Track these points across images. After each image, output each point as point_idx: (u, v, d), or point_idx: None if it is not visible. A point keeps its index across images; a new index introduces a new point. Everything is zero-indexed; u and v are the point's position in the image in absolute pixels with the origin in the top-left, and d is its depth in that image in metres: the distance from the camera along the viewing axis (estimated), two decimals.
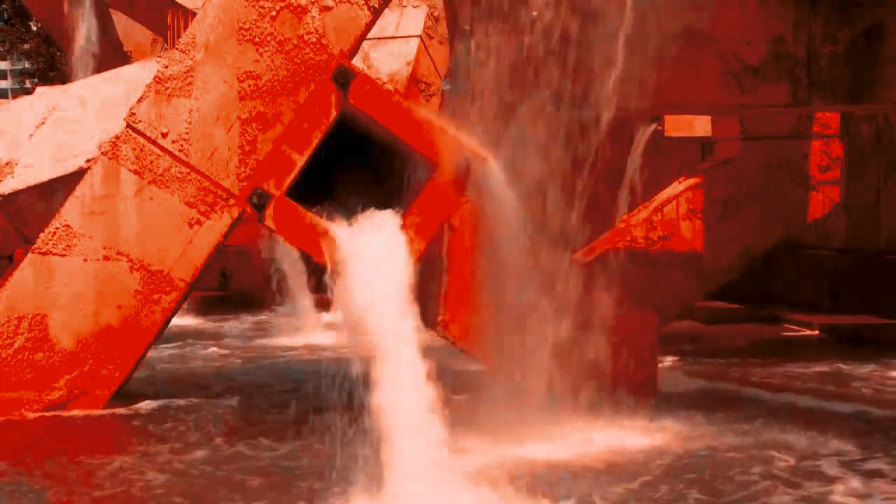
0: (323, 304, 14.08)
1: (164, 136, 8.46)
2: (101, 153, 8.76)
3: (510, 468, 6.72)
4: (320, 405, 6.23)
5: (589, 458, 7.05)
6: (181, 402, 8.72)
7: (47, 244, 8.49)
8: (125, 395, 8.67)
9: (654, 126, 14.52)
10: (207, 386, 9.67)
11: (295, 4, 8.39)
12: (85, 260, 8.49)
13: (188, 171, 8.46)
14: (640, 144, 14.31)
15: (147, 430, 7.93)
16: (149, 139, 8.47)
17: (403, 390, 6.12)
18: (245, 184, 8.12)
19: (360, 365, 6.17)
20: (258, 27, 8.40)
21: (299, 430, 7.48)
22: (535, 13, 7.80)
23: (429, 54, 16.94)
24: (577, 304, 7.95)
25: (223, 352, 12.14)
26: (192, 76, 8.45)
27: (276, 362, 11.45)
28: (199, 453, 7.22)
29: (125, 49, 19.07)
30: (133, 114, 8.51)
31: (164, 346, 11.38)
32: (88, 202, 8.53)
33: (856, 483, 6.41)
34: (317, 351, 12.17)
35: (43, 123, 13.10)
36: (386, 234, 6.75)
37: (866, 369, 10.65)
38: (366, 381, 6.13)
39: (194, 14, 9.89)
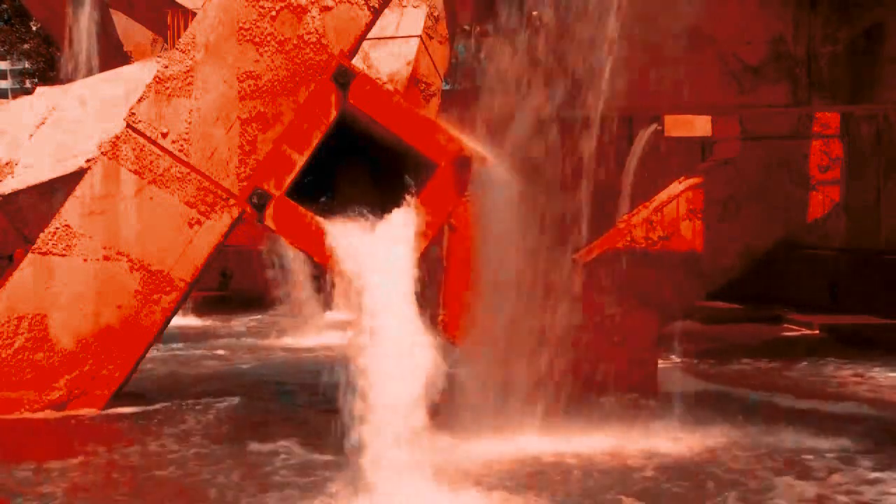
0: (324, 303, 14.11)
1: (164, 136, 8.46)
2: (101, 153, 8.75)
3: (505, 469, 6.72)
4: (317, 406, 6.23)
5: (585, 458, 7.03)
6: (178, 402, 8.70)
7: (47, 244, 8.49)
8: (124, 395, 8.66)
9: (654, 126, 14.54)
10: (205, 386, 9.65)
11: (295, 4, 8.39)
12: (85, 260, 8.49)
13: (188, 171, 8.46)
14: (639, 144, 14.33)
15: (125, 431, 7.88)
16: (149, 139, 8.47)
17: (400, 390, 6.12)
18: (245, 184, 8.12)
19: (357, 365, 6.17)
20: (258, 27, 8.40)
21: (293, 431, 7.48)
22: (534, 13, 7.80)
23: (429, 54, 16.92)
24: (577, 305, 7.95)
25: (223, 352, 12.13)
26: (192, 76, 8.45)
27: (277, 363, 11.45)
28: (164, 454, 7.17)
29: (125, 49, 19.06)
30: (133, 114, 8.51)
31: (164, 346, 11.38)
32: (88, 202, 8.53)
33: (854, 485, 6.40)
34: (317, 351, 12.17)
35: (43, 123, 13.09)
36: (386, 234, 6.75)
37: (866, 369, 10.65)
38: (362, 382, 6.13)
39: (194, 14, 9.89)
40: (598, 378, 8.32)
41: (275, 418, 8.34)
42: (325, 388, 6.22)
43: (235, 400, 8.87)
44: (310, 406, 8.64)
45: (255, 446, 7.27)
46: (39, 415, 8.31)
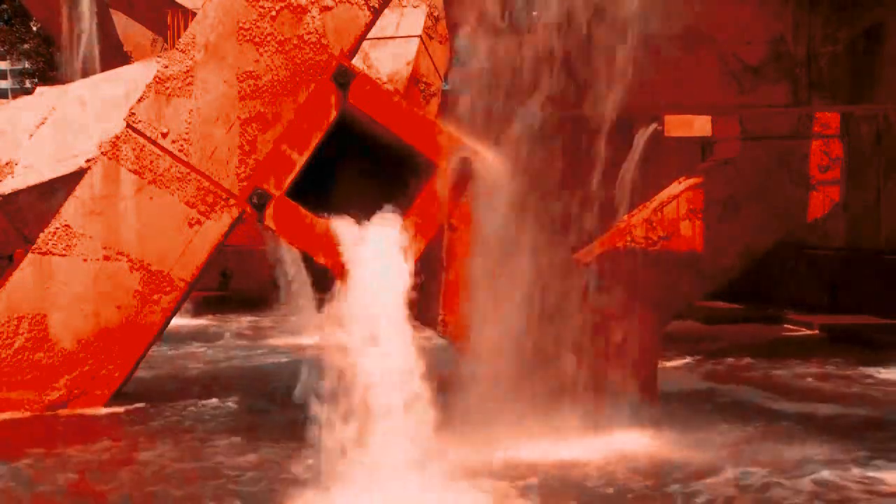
0: (322, 304, 14.09)
1: (164, 136, 8.46)
2: (101, 153, 8.76)
3: (502, 469, 6.70)
4: (313, 405, 6.21)
5: (582, 461, 6.98)
6: (176, 402, 8.69)
7: (47, 244, 8.50)
8: (123, 395, 8.65)
9: (654, 126, 14.52)
10: (203, 387, 9.62)
11: (295, 4, 8.39)
12: (85, 260, 8.50)
13: (188, 171, 8.46)
14: (639, 144, 14.31)
15: (112, 431, 7.87)
16: (149, 139, 8.47)
17: (397, 391, 6.13)
18: (245, 184, 8.12)
19: (354, 365, 6.17)
20: (258, 27, 8.40)
21: (288, 431, 7.46)
22: (535, 12, 7.80)
23: (429, 54, 16.93)
24: (577, 305, 7.94)
25: (222, 352, 12.13)
26: (192, 76, 8.45)
27: (273, 363, 11.44)
28: (145, 455, 7.16)
29: (125, 49, 19.07)
30: (133, 114, 8.51)
31: (163, 346, 11.37)
32: (88, 202, 8.53)
33: (853, 486, 6.39)
34: (314, 352, 12.15)
35: (43, 123, 13.10)
36: (386, 233, 6.75)
37: (866, 370, 10.64)
38: (359, 382, 6.13)
39: (194, 14, 9.89)
40: (598, 379, 8.30)
41: (264, 419, 8.30)
42: (317, 390, 6.19)
43: (224, 401, 8.83)
44: (299, 408, 8.60)
45: (229, 447, 7.25)
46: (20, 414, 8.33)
